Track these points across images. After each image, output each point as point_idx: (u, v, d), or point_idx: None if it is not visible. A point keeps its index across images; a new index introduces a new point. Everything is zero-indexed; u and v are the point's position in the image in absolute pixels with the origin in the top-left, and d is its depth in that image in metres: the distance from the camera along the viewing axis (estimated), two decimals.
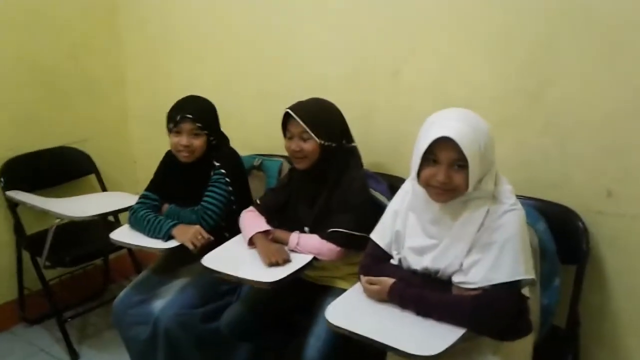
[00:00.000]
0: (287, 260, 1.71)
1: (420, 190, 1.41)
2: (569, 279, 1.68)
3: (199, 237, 1.90)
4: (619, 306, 1.71)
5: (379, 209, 1.64)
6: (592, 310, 1.75)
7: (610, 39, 1.57)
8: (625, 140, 1.60)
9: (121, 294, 2.02)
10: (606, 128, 1.63)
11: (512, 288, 1.33)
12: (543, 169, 1.77)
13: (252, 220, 1.90)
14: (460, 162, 1.31)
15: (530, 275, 1.34)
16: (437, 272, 1.41)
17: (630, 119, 1.58)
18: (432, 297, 1.38)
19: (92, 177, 2.84)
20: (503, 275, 1.31)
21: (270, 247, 1.77)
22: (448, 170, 1.32)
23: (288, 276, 1.65)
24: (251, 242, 1.82)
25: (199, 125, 1.96)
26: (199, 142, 1.98)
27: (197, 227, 1.93)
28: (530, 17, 1.70)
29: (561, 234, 1.64)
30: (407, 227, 1.49)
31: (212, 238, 1.92)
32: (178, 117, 1.95)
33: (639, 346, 1.71)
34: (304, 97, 1.85)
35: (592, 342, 1.78)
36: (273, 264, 1.69)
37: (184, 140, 1.96)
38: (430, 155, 1.34)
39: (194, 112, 1.97)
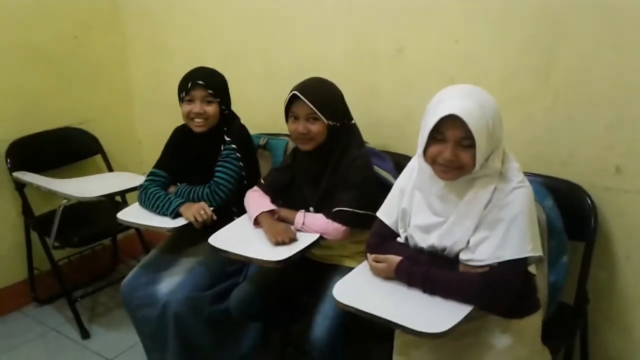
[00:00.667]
0: (293, 239, 1.71)
1: (427, 168, 1.40)
2: (577, 255, 1.68)
3: (202, 212, 1.89)
4: (627, 282, 1.71)
5: (385, 187, 1.63)
6: (600, 287, 1.74)
7: (615, 14, 1.54)
8: (633, 115, 1.58)
9: (129, 275, 2.03)
10: (614, 103, 1.60)
11: (519, 265, 1.32)
12: (551, 145, 1.75)
13: (256, 200, 1.89)
14: (467, 140, 1.29)
15: (538, 252, 1.34)
16: (443, 249, 1.41)
17: (637, 93, 1.55)
18: (439, 274, 1.38)
19: (98, 157, 2.84)
20: (510, 252, 1.31)
21: (276, 226, 1.77)
22: (455, 149, 1.31)
23: (295, 254, 1.65)
24: (256, 222, 1.82)
25: (211, 92, 1.95)
26: (212, 109, 1.97)
27: (201, 203, 1.93)
28: None
29: (569, 211, 1.63)
30: (413, 205, 1.48)
31: (215, 217, 1.92)
32: (189, 84, 1.95)
33: None
34: (308, 75, 1.83)
35: (601, 319, 1.78)
36: (279, 243, 1.69)
37: (197, 107, 1.95)
38: (437, 134, 1.32)
39: (206, 79, 1.96)
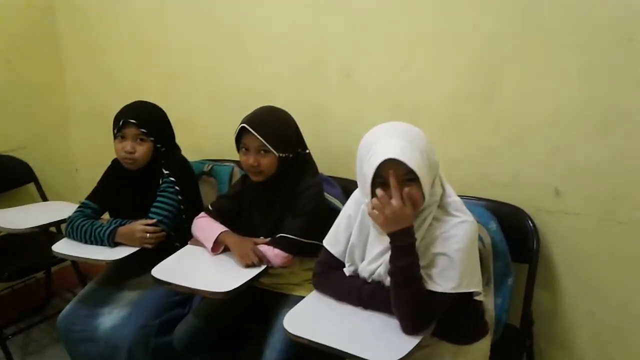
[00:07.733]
0: (261, 260, 1.67)
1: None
2: (522, 277, 1.71)
3: (147, 235, 1.83)
4: (569, 303, 1.75)
5: (334, 214, 1.61)
6: (544, 308, 1.78)
7: (552, 42, 1.60)
8: (572, 138, 1.63)
9: (66, 308, 1.93)
10: (554, 127, 1.65)
11: (445, 298, 1.31)
12: (495, 169, 1.79)
13: (210, 224, 1.83)
14: (409, 174, 1.28)
15: (474, 288, 1.33)
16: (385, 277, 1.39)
17: (576, 118, 1.61)
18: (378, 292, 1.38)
19: (31, 186, 2.70)
20: (441, 286, 1.30)
21: (244, 243, 1.71)
22: (401, 189, 1.28)
23: (243, 284, 1.60)
24: (216, 244, 1.75)
25: (144, 130, 1.89)
26: (143, 149, 1.90)
27: (139, 226, 1.85)
28: (477, 20, 1.71)
29: (512, 234, 1.67)
30: (368, 242, 1.45)
31: (158, 227, 1.86)
32: (121, 122, 1.88)
33: (589, 342, 1.75)
34: (255, 99, 1.80)
35: (545, 340, 1.82)
36: (249, 265, 1.65)
37: (127, 146, 1.89)
38: (379, 178, 1.30)
39: (138, 117, 1.89)
